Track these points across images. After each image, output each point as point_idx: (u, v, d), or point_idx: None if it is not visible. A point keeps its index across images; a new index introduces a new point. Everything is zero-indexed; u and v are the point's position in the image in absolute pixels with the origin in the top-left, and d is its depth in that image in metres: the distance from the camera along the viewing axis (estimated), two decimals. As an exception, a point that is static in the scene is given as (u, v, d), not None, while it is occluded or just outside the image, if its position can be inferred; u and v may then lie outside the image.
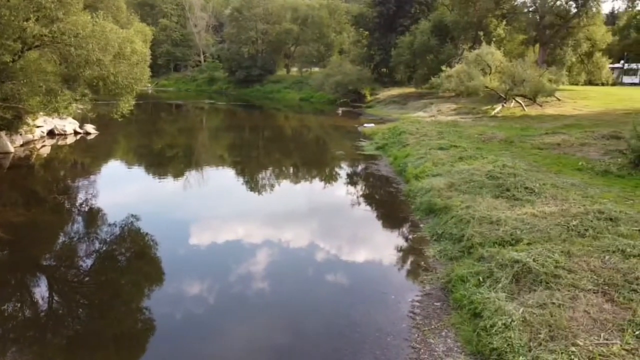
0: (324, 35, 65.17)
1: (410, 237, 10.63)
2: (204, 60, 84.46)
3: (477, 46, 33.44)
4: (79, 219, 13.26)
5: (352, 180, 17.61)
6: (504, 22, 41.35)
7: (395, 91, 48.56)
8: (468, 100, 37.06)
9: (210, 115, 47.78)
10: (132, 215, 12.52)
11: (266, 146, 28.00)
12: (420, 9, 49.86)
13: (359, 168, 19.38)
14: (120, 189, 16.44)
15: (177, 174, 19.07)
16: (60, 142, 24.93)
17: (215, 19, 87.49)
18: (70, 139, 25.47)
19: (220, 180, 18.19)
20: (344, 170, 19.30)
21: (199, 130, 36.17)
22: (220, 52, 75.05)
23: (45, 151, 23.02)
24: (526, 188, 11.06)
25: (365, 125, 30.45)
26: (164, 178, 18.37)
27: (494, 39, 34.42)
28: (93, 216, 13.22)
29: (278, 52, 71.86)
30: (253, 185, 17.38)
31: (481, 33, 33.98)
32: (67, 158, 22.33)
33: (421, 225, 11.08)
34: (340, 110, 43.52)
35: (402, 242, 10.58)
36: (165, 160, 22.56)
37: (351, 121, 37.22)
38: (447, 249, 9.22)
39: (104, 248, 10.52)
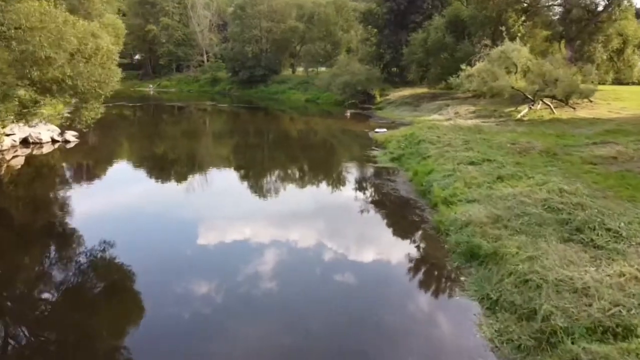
0: (330, 33, 62.20)
1: (449, 299, 7.72)
2: (207, 60, 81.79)
3: (499, 43, 30.39)
4: (49, 244, 11.12)
5: (364, 202, 14.50)
6: (524, 17, 38.23)
7: (406, 92, 45.62)
8: (487, 101, 34.05)
9: (211, 118, 45.07)
10: (106, 242, 10.42)
11: (268, 156, 25.09)
12: (433, 4, 46.80)
13: (373, 185, 16.38)
14: (99, 208, 13.89)
15: (167, 191, 16.29)
16: (36, 152, 22.23)
17: (219, 18, 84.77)
18: (47, 148, 22.77)
19: (213, 205, 15.34)
20: (354, 188, 16.25)
21: (196, 135, 33.35)
22: (223, 51, 72.34)
23: (17, 162, 20.35)
24: (608, 229, 8.10)
25: (377, 130, 27.51)
26: (149, 196, 15.56)
27: (518, 35, 31.30)
28: (65, 242, 11.12)
29: (283, 52, 68.96)
30: (250, 208, 14.51)
31: (503, 28, 30.92)
32: (39, 170, 19.65)
33: (462, 279, 8.16)
34: (348, 113, 40.58)
35: (437, 310, 7.67)
36: (154, 174, 19.71)
37: (360, 124, 34.28)
38: (510, 329, 6.30)
39: (76, 279, 9.02)
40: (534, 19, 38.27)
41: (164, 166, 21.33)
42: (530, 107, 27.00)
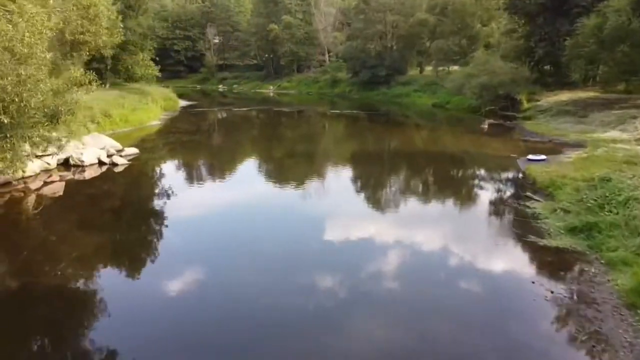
0: (467, 25, 52.73)
1: None
2: (329, 60, 76.72)
3: None
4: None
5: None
6: None
7: (564, 95, 35.30)
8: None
9: (315, 131, 39.08)
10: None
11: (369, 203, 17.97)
12: (609, -19, 35.49)
13: (543, 315, 7.58)
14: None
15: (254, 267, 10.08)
16: (77, 176, 17.70)
17: (344, 15, 79.10)
18: (90, 172, 18.12)
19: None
20: (502, 315, 7.92)
21: (285, 155, 27.13)
22: (344, 50, 66.49)
23: (43, 193, 15.78)
24: None
25: (531, 157, 18.81)
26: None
27: None
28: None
29: (410, 49, 60.85)
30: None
31: None
32: (63, 205, 14.80)
33: None
34: (486, 124, 31.79)
35: None
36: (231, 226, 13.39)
37: (504, 143, 25.52)
38: None
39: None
40: None
41: (243, 207, 15.19)
42: None
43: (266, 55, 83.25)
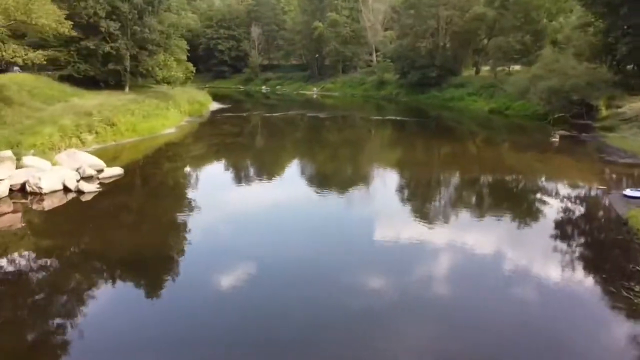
0: (531, 20, 46.47)
1: None
2: (376, 60, 71.71)
3: None
4: None
5: None
6: None
7: (653, 102, 29.05)
8: None
9: (351, 145, 34.42)
10: None
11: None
12: None
13: None
14: None
15: None
16: (35, 206, 14.12)
17: (395, 12, 73.75)
18: (51, 202, 14.39)
19: None
20: None
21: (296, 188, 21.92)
22: (392, 49, 61.29)
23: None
24: None
25: (630, 193, 13.47)
26: None
27: None
28: None
29: (465, 47, 55.03)
30: None
31: None
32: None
33: None
34: (557, 137, 26.21)
35: None
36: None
37: (583, 165, 20.14)
38: None
39: None
40: None
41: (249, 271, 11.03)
42: None
43: (310, 55, 79.31)
